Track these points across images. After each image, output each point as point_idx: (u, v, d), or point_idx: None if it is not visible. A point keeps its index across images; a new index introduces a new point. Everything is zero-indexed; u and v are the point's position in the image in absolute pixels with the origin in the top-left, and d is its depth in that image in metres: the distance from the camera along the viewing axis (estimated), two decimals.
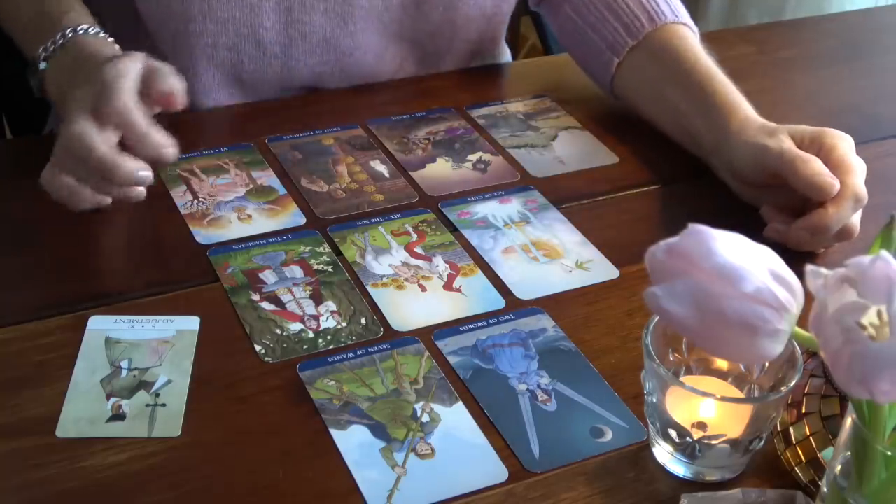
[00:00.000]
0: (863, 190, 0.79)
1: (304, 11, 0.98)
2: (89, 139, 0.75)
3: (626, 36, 0.97)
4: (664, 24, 0.97)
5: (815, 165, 0.79)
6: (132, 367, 0.69)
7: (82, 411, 0.66)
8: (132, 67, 0.77)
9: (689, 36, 0.97)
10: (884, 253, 0.45)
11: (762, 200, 0.85)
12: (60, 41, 0.84)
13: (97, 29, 0.86)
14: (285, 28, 0.98)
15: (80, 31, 0.85)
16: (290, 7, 0.97)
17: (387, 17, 1.02)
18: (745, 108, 0.88)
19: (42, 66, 0.85)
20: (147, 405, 0.66)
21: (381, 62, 1.05)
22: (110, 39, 0.86)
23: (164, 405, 0.66)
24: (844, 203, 0.79)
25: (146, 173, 0.77)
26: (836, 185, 0.78)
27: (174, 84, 0.78)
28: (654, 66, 0.96)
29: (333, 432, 0.65)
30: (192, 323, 0.73)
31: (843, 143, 0.82)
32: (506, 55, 1.18)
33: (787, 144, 0.82)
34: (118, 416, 0.66)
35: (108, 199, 0.79)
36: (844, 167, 0.80)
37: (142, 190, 0.79)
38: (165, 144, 0.78)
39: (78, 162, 0.76)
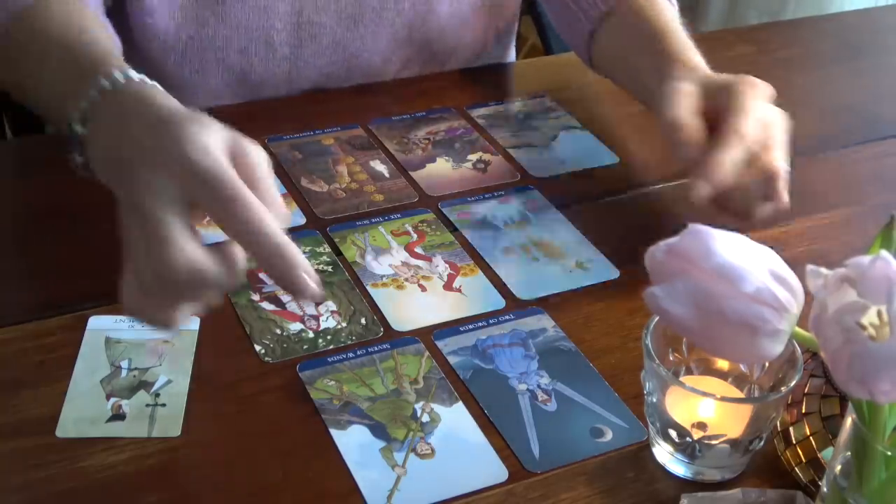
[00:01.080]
0: (746, 128, 0.74)
1: (316, 13, 0.98)
2: (203, 270, 0.55)
3: (599, 3, 0.96)
4: None
5: (678, 109, 0.76)
6: (132, 367, 0.69)
7: (82, 411, 0.66)
8: (219, 144, 0.56)
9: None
10: (884, 253, 0.45)
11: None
12: (96, 94, 0.63)
13: (141, 75, 0.64)
14: (296, 29, 0.98)
15: (121, 78, 0.63)
16: (301, 9, 0.97)
17: (398, 22, 1.02)
18: (692, 58, 0.84)
19: (78, 129, 0.63)
20: (147, 405, 0.66)
21: (387, 63, 1.05)
22: (159, 86, 0.63)
23: (164, 405, 0.66)
24: (726, 140, 0.73)
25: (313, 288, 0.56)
26: (683, 126, 0.74)
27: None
28: (623, 33, 0.94)
29: (333, 432, 0.65)
30: (192, 323, 0.73)
31: (750, 88, 0.77)
32: (511, 56, 1.18)
33: (679, 85, 0.78)
34: (118, 416, 0.66)
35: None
36: (734, 109, 0.75)
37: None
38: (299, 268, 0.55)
39: (184, 289, 0.57)
